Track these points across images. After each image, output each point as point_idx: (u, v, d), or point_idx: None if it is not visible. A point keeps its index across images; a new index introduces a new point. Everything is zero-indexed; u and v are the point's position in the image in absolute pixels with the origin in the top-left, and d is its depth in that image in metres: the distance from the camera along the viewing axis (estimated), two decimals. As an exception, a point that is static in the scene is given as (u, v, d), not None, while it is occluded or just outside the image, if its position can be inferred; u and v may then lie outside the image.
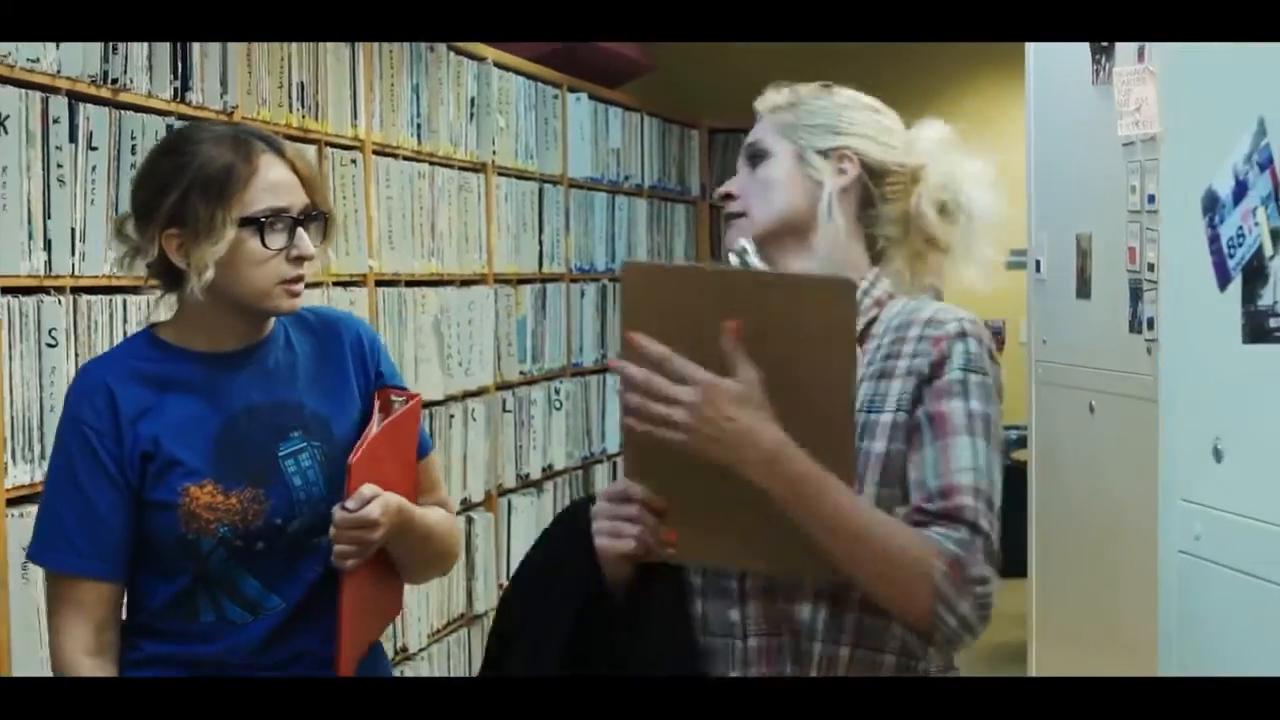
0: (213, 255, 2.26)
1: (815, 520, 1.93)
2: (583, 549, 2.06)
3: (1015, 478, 5.37)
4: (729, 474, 1.92)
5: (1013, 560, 5.39)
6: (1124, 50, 4.35)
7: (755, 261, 2.10)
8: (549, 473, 6.33)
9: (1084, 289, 4.56)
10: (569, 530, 2.13)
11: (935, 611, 1.92)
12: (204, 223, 2.25)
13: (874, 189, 2.22)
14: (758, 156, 2.25)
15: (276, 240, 2.30)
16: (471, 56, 5.75)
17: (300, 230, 2.32)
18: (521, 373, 6.15)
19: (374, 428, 2.40)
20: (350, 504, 2.29)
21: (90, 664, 2.28)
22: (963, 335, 2.07)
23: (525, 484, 6.12)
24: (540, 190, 6.43)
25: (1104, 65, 4.46)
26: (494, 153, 5.90)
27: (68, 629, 2.29)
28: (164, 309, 2.43)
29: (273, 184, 2.31)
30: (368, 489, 2.31)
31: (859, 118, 2.24)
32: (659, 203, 7.92)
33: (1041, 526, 4.68)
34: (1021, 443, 4.93)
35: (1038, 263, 4.52)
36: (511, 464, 5.98)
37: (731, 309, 1.89)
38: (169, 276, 2.35)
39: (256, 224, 2.28)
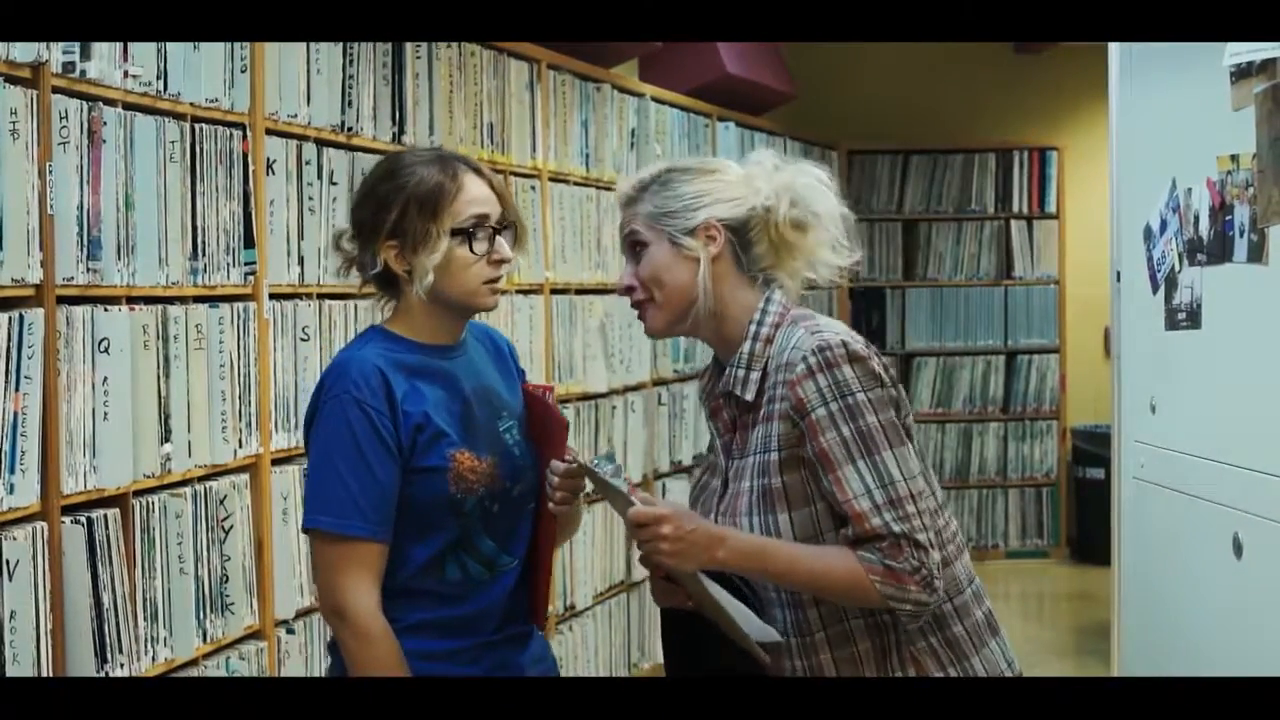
0: (431, 263, 2.41)
1: (769, 574, 2.31)
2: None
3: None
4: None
5: (1102, 550, 5.46)
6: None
7: (606, 470, 2.33)
8: (699, 460, 6.15)
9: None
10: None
11: (888, 603, 2.25)
12: (420, 235, 2.41)
13: (742, 239, 2.42)
14: (638, 246, 2.44)
15: (481, 246, 2.45)
16: (632, 93, 5.99)
17: (498, 237, 2.48)
18: (675, 370, 6.37)
19: (552, 404, 2.63)
20: (570, 456, 2.50)
21: (382, 618, 2.37)
22: (809, 373, 2.28)
23: (677, 469, 6.32)
24: (692, 209, 6.77)
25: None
26: (651, 177, 6.29)
27: (361, 589, 2.36)
28: (379, 311, 2.59)
29: (474, 197, 2.45)
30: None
31: (707, 188, 2.41)
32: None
33: (1127, 519, 4.88)
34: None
35: (1118, 274, 4.89)
36: (665, 450, 6.19)
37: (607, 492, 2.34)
38: (387, 282, 2.52)
39: (465, 233, 2.43)
